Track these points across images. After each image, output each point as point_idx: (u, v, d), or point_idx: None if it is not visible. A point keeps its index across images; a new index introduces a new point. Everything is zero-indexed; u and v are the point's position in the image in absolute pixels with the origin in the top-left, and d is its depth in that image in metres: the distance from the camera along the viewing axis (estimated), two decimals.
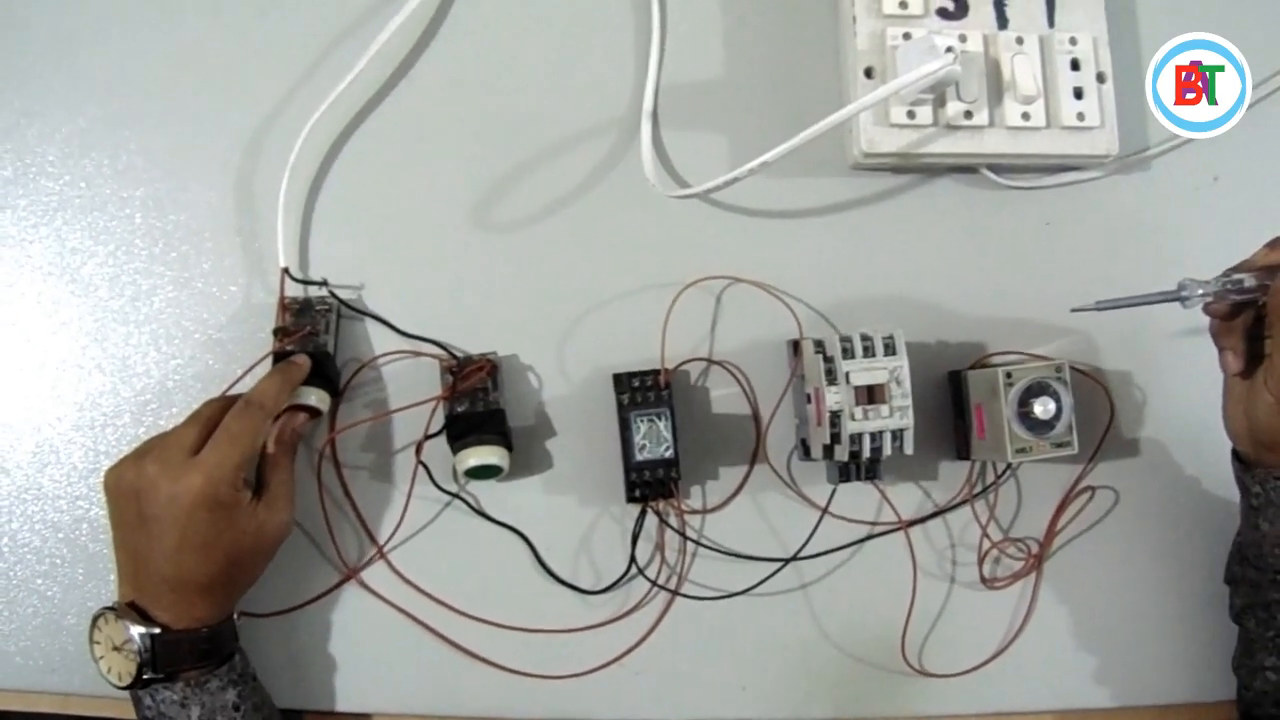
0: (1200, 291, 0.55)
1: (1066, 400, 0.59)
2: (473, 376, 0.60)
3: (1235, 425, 0.58)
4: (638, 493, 0.60)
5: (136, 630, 0.51)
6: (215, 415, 0.54)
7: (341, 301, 0.62)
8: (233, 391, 0.59)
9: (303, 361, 0.58)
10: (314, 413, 0.59)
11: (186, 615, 0.53)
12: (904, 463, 0.61)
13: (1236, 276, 0.55)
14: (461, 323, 0.62)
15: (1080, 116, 0.63)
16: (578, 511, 0.63)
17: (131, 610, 0.52)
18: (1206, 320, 0.58)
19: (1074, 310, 0.60)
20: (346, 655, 0.61)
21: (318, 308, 0.60)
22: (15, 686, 0.61)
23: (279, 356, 0.59)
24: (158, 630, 0.52)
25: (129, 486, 0.52)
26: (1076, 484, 0.65)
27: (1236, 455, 0.59)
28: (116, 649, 0.52)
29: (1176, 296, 0.56)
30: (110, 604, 0.53)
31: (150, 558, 0.52)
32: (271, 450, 0.57)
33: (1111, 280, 0.63)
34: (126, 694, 0.53)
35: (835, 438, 0.58)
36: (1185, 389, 0.65)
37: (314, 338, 0.59)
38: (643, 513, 0.62)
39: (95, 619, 0.53)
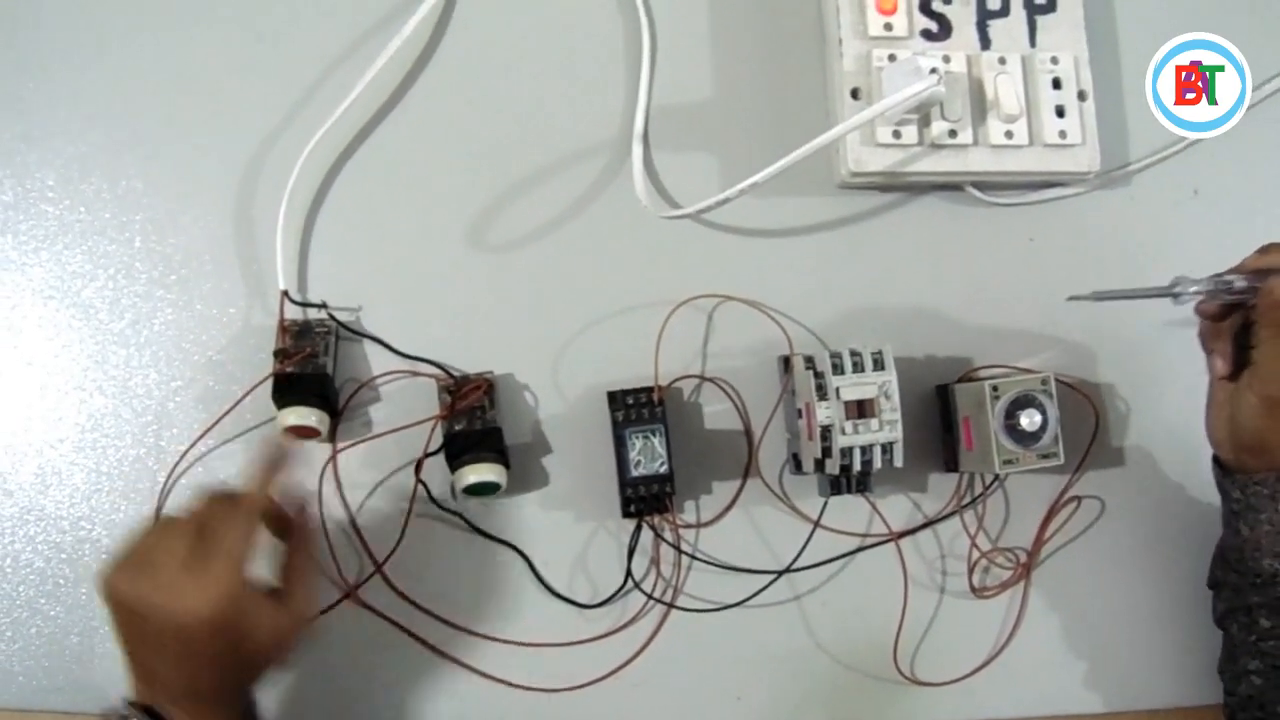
0: (1193, 289, 0.57)
1: (1052, 412, 0.60)
2: (470, 395, 0.61)
3: (1217, 430, 0.59)
4: (633, 508, 0.61)
5: None
6: (203, 515, 0.51)
7: (340, 323, 0.62)
8: (229, 409, 0.60)
9: (287, 443, 0.56)
10: (313, 433, 0.60)
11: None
12: (894, 475, 0.62)
13: (1228, 277, 0.56)
14: (458, 343, 0.63)
15: (1062, 134, 0.64)
16: (574, 527, 0.63)
17: (149, 716, 0.49)
18: (1190, 331, 0.60)
19: (1070, 299, 0.61)
20: (346, 672, 0.62)
21: (317, 329, 0.61)
22: (18, 706, 0.61)
23: (279, 378, 0.59)
24: None
25: (126, 606, 0.49)
26: (1063, 494, 0.66)
27: (1217, 461, 0.60)
28: None
29: (1170, 292, 0.57)
30: (130, 700, 0.50)
31: (159, 672, 0.49)
32: (289, 544, 0.54)
33: None
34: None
35: (826, 451, 0.58)
36: (1169, 399, 0.67)
37: (313, 359, 0.60)
38: (638, 527, 0.62)
39: None
